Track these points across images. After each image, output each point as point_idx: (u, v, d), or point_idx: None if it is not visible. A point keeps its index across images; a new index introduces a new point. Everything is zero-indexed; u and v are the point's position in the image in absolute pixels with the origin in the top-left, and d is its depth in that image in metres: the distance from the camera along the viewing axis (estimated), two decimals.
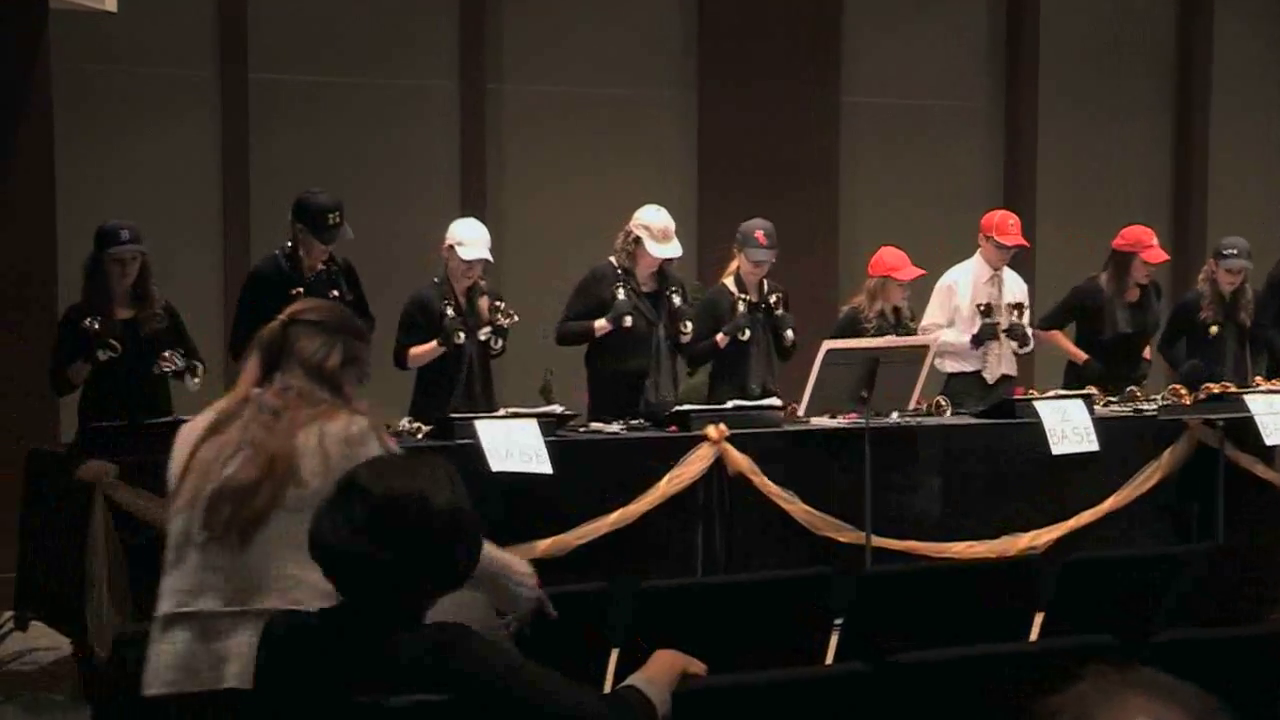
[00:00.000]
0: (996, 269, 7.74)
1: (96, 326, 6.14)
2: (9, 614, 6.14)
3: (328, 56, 8.95)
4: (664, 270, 7.01)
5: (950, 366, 7.76)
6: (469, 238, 6.70)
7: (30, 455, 6.13)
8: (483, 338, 6.66)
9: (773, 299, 7.19)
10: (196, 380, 6.16)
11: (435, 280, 6.76)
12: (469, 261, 6.66)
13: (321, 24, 8.94)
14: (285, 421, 3.04)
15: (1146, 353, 8.00)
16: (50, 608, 5.86)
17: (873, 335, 7.22)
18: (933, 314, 7.73)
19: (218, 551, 3.01)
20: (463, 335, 6.58)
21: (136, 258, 6.29)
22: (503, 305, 6.68)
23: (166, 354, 6.13)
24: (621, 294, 6.83)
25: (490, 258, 6.75)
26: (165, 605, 3.06)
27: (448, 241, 6.71)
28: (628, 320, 6.80)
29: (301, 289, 6.37)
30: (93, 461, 5.56)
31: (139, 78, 8.56)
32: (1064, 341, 7.93)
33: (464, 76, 9.21)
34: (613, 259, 6.98)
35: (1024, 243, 7.81)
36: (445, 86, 9.20)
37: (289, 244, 6.49)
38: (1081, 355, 7.82)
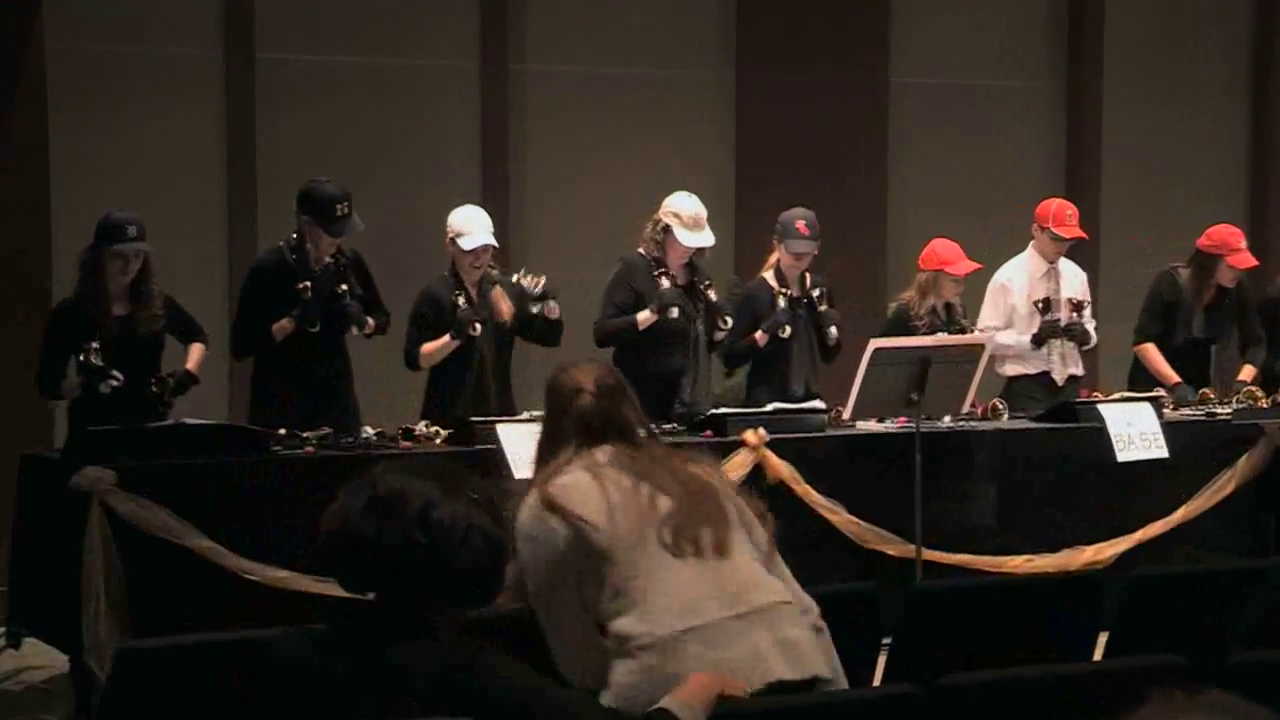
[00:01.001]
0: (1052, 262, 7.70)
1: (97, 360, 6.10)
2: (0, 630, 6.17)
3: (340, 35, 8.97)
4: (694, 263, 7.01)
5: (1011, 369, 7.73)
6: (467, 226, 6.71)
7: (23, 461, 6.16)
8: (540, 312, 6.64)
9: (815, 294, 7.18)
10: (174, 399, 6.23)
11: (444, 274, 6.78)
12: (471, 251, 6.67)
13: (333, 1, 8.97)
14: (667, 462, 3.37)
15: (1246, 373, 7.86)
16: (45, 623, 5.89)
17: (924, 333, 7.20)
18: (987, 316, 7.69)
19: (702, 568, 3.23)
20: (478, 326, 6.60)
21: (140, 255, 6.31)
22: (538, 288, 6.67)
23: (156, 380, 6.19)
24: (666, 282, 6.83)
25: (494, 243, 6.76)
26: (660, 629, 3.16)
27: (448, 234, 6.73)
28: (674, 311, 6.80)
29: (308, 283, 6.40)
30: (89, 467, 5.59)
31: (139, 58, 8.60)
32: (1158, 361, 7.78)
33: (485, 56, 9.22)
34: (642, 250, 6.98)
35: (1082, 235, 7.76)
36: (465, 67, 9.21)
37: (294, 236, 6.51)
38: (1173, 377, 7.70)
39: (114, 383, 6.12)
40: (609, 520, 3.21)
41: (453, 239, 6.71)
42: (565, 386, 3.46)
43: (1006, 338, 7.60)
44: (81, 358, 6.13)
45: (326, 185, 6.48)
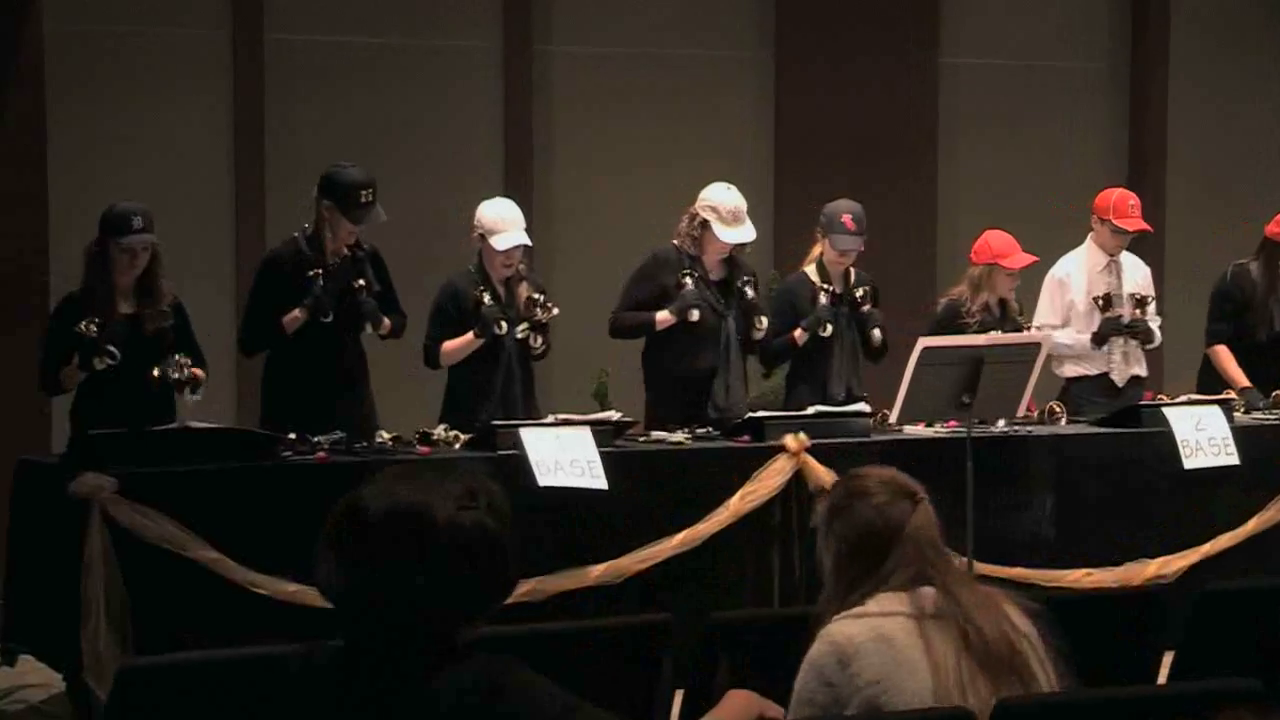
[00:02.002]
0: (1112, 255, 7.67)
1: (95, 331, 6.15)
2: None
3: (354, 15, 9.00)
4: (734, 257, 7.00)
5: (1069, 370, 7.70)
6: (500, 224, 6.69)
7: (19, 466, 6.20)
8: (520, 335, 6.66)
9: (859, 293, 7.16)
10: (196, 396, 6.18)
11: (469, 268, 6.78)
12: (504, 251, 6.66)
13: None
14: (987, 610, 3.14)
15: None
16: (41, 640, 5.92)
17: (976, 331, 7.18)
18: (1044, 313, 7.66)
19: None
20: (504, 325, 6.60)
21: (148, 248, 6.33)
22: (541, 298, 6.68)
23: (176, 359, 6.13)
24: (689, 282, 6.83)
25: (528, 242, 6.76)
26: None
27: (476, 230, 6.73)
28: (694, 314, 6.80)
29: (321, 271, 6.41)
30: (88, 473, 5.62)
31: (141, 39, 8.64)
32: (1229, 363, 7.74)
33: (508, 37, 9.24)
34: (676, 243, 6.98)
35: (1146, 227, 7.73)
36: (487, 49, 9.23)
37: (309, 225, 6.53)
38: (1242, 380, 7.65)
39: (110, 360, 6.14)
40: (912, 693, 3.04)
41: (482, 235, 6.71)
42: (891, 520, 3.16)
43: (1065, 337, 7.57)
44: (83, 326, 6.14)
45: (352, 169, 6.52)
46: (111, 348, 6.17)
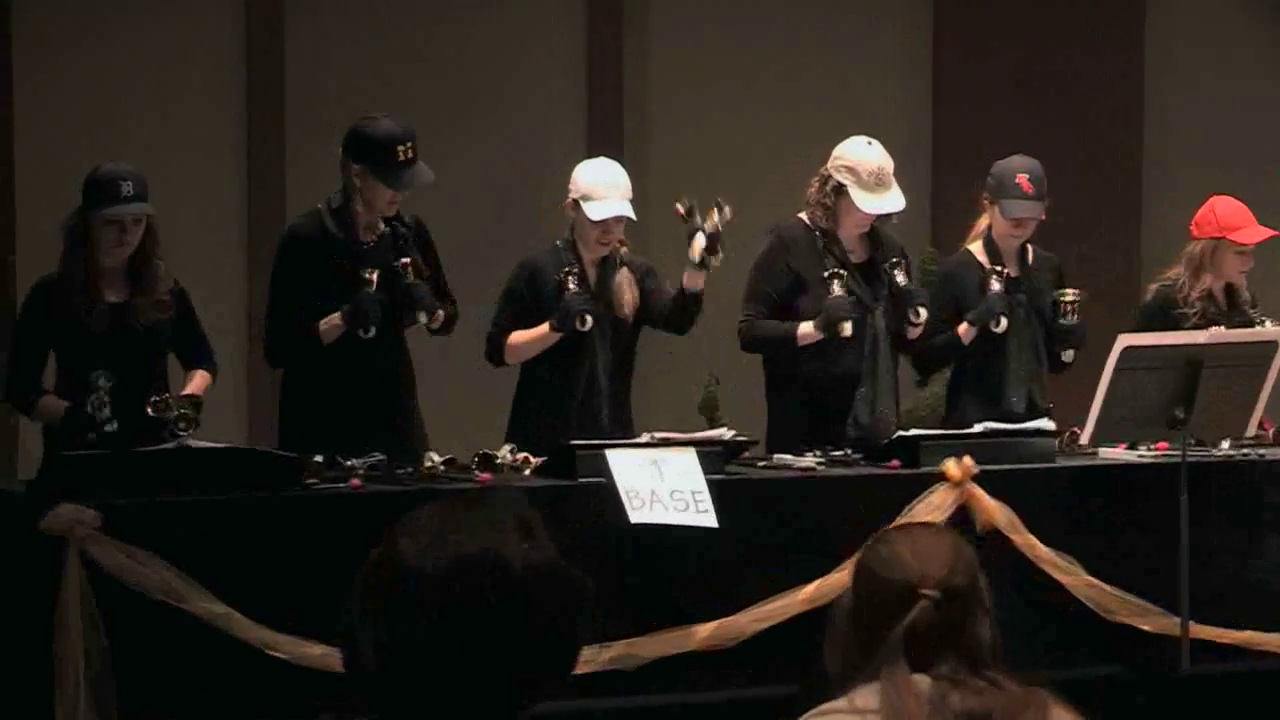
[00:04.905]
0: None
1: (102, 408, 6.10)
2: None
3: None
4: (878, 231, 7.02)
5: None
6: (599, 188, 6.75)
7: None
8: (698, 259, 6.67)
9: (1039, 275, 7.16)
10: (188, 430, 6.24)
11: (557, 243, 6.83)
12: (601, 222, 6.72)
13: None
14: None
15: None
16: (8, 709, 6.02)
17: (1195, 326, 7.16)
18: None
19: None
20: (589, 320, 6.65)
21: (140, 221, 6.42)
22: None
23: (154, 400, 6.20)
24: (838, 287, 6.78)
25: (631, 214, 6.81)
26: None
27: (571, 195, 6.79)
28: (848, 328, 6.80)
29: (376, 270, 6.44)
30: (65, 505, 5.70)
31: None
32: None
33: None
34: (804, 216, 7.01)
35: None
36: None
37: (338, 193, 6.59)
38: None
39: (107, 428, 6.14)
40: None
41: (576, 202, 6.76)
42: (895, 580, 3.11)
43: None
44: (92, 396, 6.13)
45: (385, 122, 6.56)
46: (113, 421, 6.16)
